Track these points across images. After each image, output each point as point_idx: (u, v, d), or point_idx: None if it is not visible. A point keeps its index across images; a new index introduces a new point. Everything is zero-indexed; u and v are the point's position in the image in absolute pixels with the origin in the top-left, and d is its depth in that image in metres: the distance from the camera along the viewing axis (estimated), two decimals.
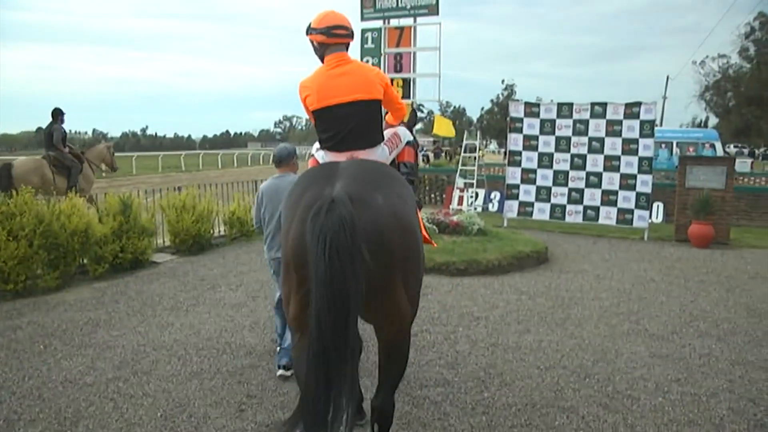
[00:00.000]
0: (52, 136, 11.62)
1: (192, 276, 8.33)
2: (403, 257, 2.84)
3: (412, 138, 4.17)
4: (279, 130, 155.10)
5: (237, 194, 11.49)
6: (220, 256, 9.66)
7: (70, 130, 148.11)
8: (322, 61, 3.65)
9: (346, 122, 3.51)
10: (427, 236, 3.77)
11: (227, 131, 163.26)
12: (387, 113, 4.05)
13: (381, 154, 3.68)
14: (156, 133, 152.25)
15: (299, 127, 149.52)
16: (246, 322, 6.31)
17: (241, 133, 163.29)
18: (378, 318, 3.01)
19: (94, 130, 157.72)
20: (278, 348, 5.05)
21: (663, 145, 23.06)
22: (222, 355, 5.38)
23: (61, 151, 11.70)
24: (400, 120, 4.16)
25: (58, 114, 11.73)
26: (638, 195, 11.98)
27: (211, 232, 10.43)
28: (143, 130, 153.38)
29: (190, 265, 8.98)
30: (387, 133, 3.90)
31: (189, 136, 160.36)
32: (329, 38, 3.59)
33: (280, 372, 4.85)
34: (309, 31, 3.65)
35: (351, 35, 3.67)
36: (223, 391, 4.61)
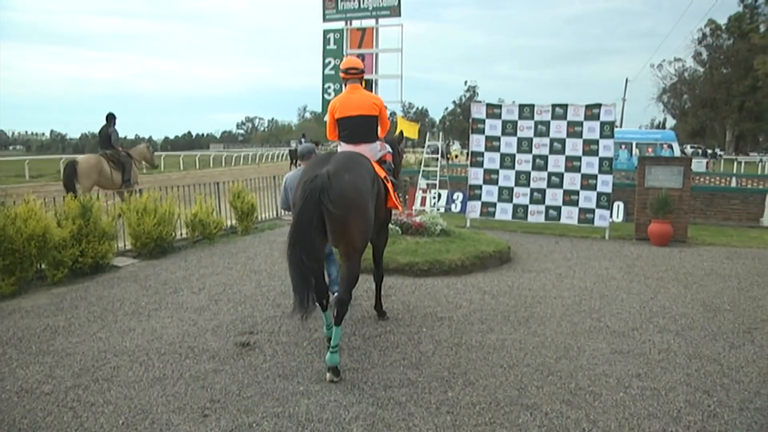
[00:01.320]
0: (110, 137, 13.41)
1: (154, 280, 8.20)
2: (355, 207, 4.84)
3: (390, 147, 6.32)
4: (242, 131, 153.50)
5: (199, 196, 11.35)
6: (182, 260, 9.54)
7: (26, 131, 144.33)
8: (345, 87, 5.96)
9: (355, 127, 5.82)
10: (395, 201, 5.84)
11: (189, 132, 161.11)
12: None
13: (374, 148, 5.91)
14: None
15: (261, 129, 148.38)
16: (209, 325, 6.25)
17: (203, 135, 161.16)
18: (341, 242, 5.01)
19: (51, 131, 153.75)
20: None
21: (623, 146, 23.51)
22: (185, 359, 5.31)
23: (117, 150, 13.43)
24: (386, 131, 6.24)
25: (112, 118, 13.58)
26: (599, 195, 12.21)
27: (173, 235, 10.28)
28: None
29: (151, 269, 8.84)
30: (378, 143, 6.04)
31: (150, 137, 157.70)
32: (347, 75, 5.96)
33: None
34: (339, 71, 6.25)
35: (361, 72, 5.99)
36: (186, 396, 4.56)
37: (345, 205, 4.74)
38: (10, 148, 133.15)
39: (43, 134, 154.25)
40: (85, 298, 7.31)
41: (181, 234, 10.90)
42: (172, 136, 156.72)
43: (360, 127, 5.81)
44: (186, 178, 25.00)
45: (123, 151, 13.65)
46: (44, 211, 8.05)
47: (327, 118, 6.10)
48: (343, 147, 5.86)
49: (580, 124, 12.26)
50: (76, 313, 6.68)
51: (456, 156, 39.68)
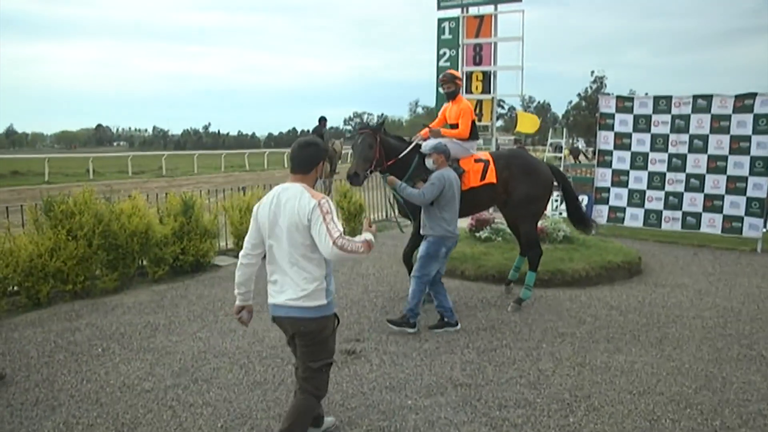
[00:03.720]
0: (322, 136, 16.96)
1: (257, 281, 8.44)
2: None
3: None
4: (349, 127, 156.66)
5: None
6: None
7: (130, 128, 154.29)
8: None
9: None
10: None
11: (294, 129, 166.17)
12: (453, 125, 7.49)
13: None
14: (219, 131, 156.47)
15: (371, 124, 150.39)
16: None
17: (308, 131, 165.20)
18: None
19: (154, 128, 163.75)
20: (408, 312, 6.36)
21: None
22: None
23: (327, 146, 16.68)
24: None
25: (323, 120, 17.86)
26: (750, 200, 11.42)
27: None
28: (205, 128, 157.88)
29: None
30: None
31: (253, 134, 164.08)
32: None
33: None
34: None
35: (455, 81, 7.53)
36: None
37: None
38: (114, 144, 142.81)
39: (146, 130, 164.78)
40: (185, 296, 7.67)
41: None
42: (276, 133, 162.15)
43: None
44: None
45: (331, 147, 17.52)
46: (147, 207, 8.51)
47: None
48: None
49: (728, 117, 11.51)
50: (176, 312, 7.02)
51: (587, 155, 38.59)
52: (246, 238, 3.85)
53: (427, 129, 7.50)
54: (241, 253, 3.89)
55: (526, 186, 7.31)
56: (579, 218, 8.12)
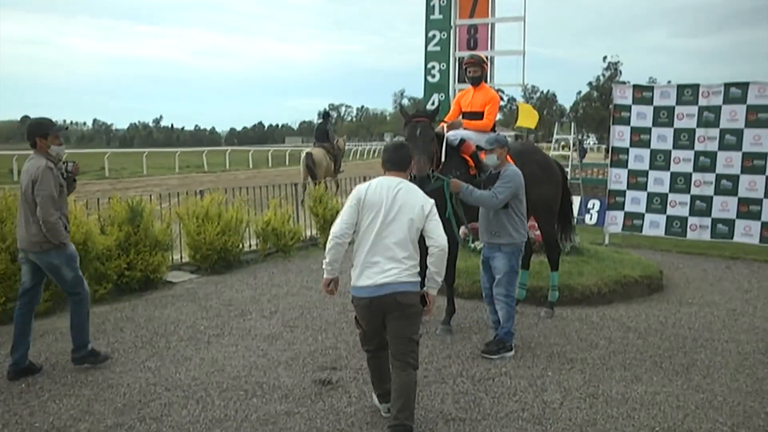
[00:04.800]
0: (327, 132, 18.52)
1: (216, 300, 8.44)
2: None
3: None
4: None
5: (273, 200, 11.61)
6: (250, 276, 9.78)
7: (65, 120, 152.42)
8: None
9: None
10: None
11: (260, 123, 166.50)
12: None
13: None
14: (172, 125, 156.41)
15: (349, 119, 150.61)
16: (282, 357, 6.35)
17: (277, 126, 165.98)
18: None
19: (95, 121, 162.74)
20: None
21: None
22: (251, 398, 5.41)
23: (332, 143, 18.43)
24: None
25: (328, 115, 20.56)
26: None
27: (240, 246, 10.55)
28: (156, 122, 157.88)
29: (213, 287, 9.11)
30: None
31: (213, 129, 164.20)
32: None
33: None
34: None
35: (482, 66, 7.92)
36: None
37: None
38: None
39: (85, 124, 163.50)
40: (131, 319, 7.61)
41: (250, 245, 11.18)
42: (239, 128, 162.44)
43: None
44: (256, 178, 25.75)
45: (336, 144, 18.76)
46: (85, 215, 8.41)
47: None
48: None
49: (767, 108, 11.60)
50: (120, 337, 6.95)
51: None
52: (343, 221, 4.73)
53: (442, 123, 7.57)
54: (337, 233, 4.72)
55: (544, 185, 7.54)
56: (564, 226, 8.55)
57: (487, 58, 11.69)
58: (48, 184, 5.63)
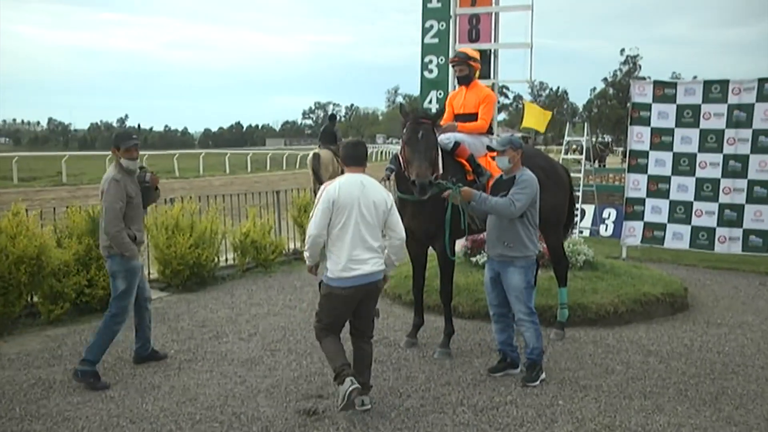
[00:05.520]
0: (335, 135, 19.63)
1: (188, 320, 8.42)
2: None
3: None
4: (309, 121, 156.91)
5: (252, 209, 11.59)
6: (227, 294, 9.76)
7: (14, 120, 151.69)
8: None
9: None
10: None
11: (238, 123, 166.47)
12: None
13: None
14: (138, 126, 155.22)
15: (337, 118, 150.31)
16: (262, 384, 6.34)
17: (257, 126, 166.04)
18: None
19: (50, 120, 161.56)
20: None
21: None
22: (227, 430, 5.39)
23: (339, 146, 18.37)
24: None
25: (334, 116, 22.93)
26: None
27: (216, 260, 10.53)
28: (121, 121, 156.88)
29: (185, 306, 9.09)
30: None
31: (185, 130, 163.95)
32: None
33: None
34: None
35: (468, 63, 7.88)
36: None
37: None
38: None
39: (38, 123, 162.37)
40: None
41: (227, 260, 11.16)
42: (214, 128, 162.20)
43: None
44: (233, 185, 25.74)
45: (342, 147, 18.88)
46: (40, 225, 8.35)
47: None
48: None
49: None
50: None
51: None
52: (318, 223, 5.61)
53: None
54: (314, 234, 5.65)
55: (550, 192, 7.49)
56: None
57: (489, 51, 11.80)
58: (111, 197, 6.39)
